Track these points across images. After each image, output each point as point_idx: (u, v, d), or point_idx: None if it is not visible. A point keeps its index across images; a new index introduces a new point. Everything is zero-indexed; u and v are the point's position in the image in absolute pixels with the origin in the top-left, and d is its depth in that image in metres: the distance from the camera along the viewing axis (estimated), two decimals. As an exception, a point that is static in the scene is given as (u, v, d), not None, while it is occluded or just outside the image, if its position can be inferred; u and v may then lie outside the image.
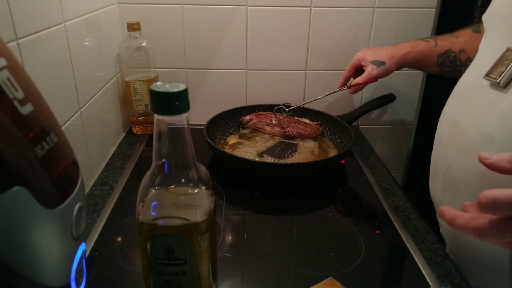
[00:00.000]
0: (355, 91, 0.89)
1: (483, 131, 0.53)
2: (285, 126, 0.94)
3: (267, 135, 0.96)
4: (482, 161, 0.38)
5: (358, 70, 0.89)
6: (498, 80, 0.53)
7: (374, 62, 0.84)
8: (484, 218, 0.36)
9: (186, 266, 0.40)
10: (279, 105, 0.96)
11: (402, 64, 0.84)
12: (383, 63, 0.84)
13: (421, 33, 1.01)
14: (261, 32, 1.00)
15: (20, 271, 0.31)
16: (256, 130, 0.97)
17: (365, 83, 0.85)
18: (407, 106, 1.11)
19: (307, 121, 1.00)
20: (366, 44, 1.03)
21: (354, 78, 0.89)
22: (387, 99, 1.05)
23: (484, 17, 0.64)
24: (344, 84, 0.91)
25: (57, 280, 0.34)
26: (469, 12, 0.96)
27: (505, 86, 0.52)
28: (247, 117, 0.99)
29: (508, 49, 0.53)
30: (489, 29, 0.62)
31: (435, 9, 1.00)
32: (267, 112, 1.00)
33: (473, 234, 0.37)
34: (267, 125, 0.96)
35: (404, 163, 1.19)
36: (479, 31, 0.77)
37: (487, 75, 0.55)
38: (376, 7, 0.99)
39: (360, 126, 1.13)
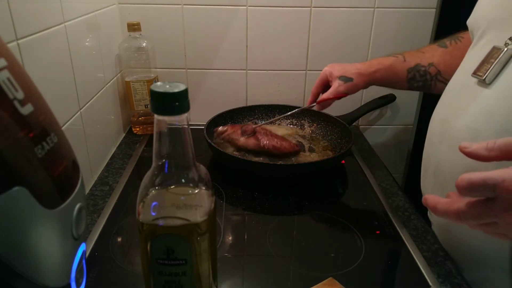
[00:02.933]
0: (323, 108, 0.85)
1: (470, 127, 0.55)
2: (260, 138, 0.87)
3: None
4: (462, 150, 0.40)
5: (327, 86, 0.85)
6: (483, 77, 0.55)
7: (342, 78, 0.81)
8: (462, 201, 0.38)
9: (186, 266, 0.40)
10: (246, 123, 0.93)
11: (371, 81, 0.82)
12: (350, 79, 0.81)
13: (421, 33, 1.01)
14: (261, 32, 1.00)
15: (20, 271, 0.30)
16: (228, 142, 0.89)
17: (332, 98, 0.82)
18: (407, 106, 1.11)
19: (289, 131, 0.96)
20: (366, 44, 1.03)
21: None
22: (387, 99, 1.05)
23: (469, 22, 0.66)
24: (314, 100, 0.87)
25: (57, 280, 0.34)
26: (469, 13, 0.95)
27: (490, 82, 0.54)
28: (220, 128, 0.91)
29: (494, 48, 0.55)
30: (474, 32, 0.64)
31: (435, 9, 1.00)
32: (241, 124, 0.94)
33: (454, 217, 0.39)
34: (241, 136, 0.88)
35: (404, 163, 1.19)
36: (446, 46, 0.79)
37: (474, 72, 0.57)
38: (376, 7, 0.99)
39: (360, 126, 1.13)
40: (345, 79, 0.81)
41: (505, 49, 0.53)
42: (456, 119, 0.58)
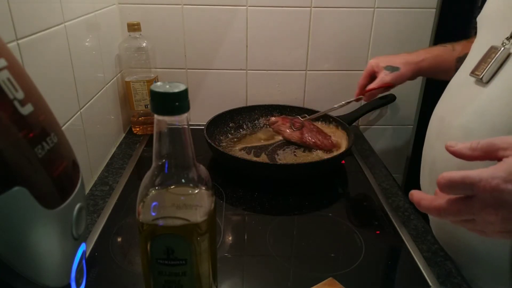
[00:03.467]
0: (370, 98, 0.85)
1: (465, 126, 0.56)
2: (305, 132, 0.91)
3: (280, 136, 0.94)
4: (447, 148, 0.42)
5: (373, 77, 0.85)
6: (480, 76, 0.55)
7: (388, 68, 0.81)
8: (444, 198, 0.40)
9: (186, 266, 0.40)
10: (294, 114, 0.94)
11: (417, 71, 0.81)
12: (397, 68, 0.80)
13: (421, 33, 1.01)
14: (261, 32, 1.00)
15: (20, 271, 0.30)
16: (277, 132, 0.94)
17: (379, 88, 0.81)
18: (407, 106, 1.11)
19: (330, 130, 0.97)
20: (367, 45, 1.03)
21: None
22: (387, 99, 1.05)
23: (478, 18, 0.66)
24: (360, 93, 0.87)
25: (57, 280, 0.34)
26: (469, 13, 0.95)
27: (487, 81, 0.55)
28: (273, 118, 0.96)
29: (492, 47, 0.56)
30: (480, 29, 0.64)
31: (435, 9, 1.00)
32: (291, 117, 0.97)
33: (434, 213, 0.41)
34: (288, 129, 0.93)
35: (404, 163, 1.19)
36: None
37: (472, 72, 0.57)
38: (376, 7, 0.99)
39: (360, 126, 1.13)
40: (391, 68, 0.80)
41: (502, 48, 0.54)
42: (453, 118, 0.59)
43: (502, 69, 0.54)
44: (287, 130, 0.93)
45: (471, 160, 0.40)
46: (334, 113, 0.99)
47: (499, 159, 0.38)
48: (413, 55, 0.82)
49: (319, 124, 0.98)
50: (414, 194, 0.43)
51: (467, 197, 0.38)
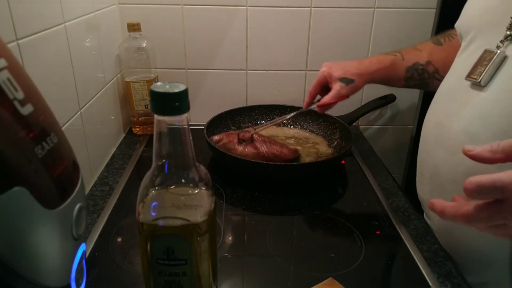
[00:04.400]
0: (323, 111, 0.82)
1: (468, 130, 0.55)
2: (259, 146, 0.84)
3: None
4: (466, 153, 0.40)
5: (324, 87, 0.82)
6: (478, 80, 0.55)
7: (343, 80, 0.77)
8: (471, 204, 0.38)
9: (186, 266, 0.40)
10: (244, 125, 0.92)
11: (370, 81, 0.80)
12: (352, 81, 0.77)
13: (421, 33, 1.01)
14: (261, 32, 1.00)
15: (20, 271, 0.30)
16: (226, 151, 0.83)
17: (334, 102, 0.79)
18: (407, 106, 1.11)
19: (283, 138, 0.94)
20: (366, 45, 1.03)
21: (321, 95, 0.82)
22: (387, 99, 1.05)
23: (457, 25, 0.67)
24: (311, 102, 0.83)
25: (57, 281, 0.34)
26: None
27: (485, 85, 0.55)
28: (216, 137, 0.88)
29: (485, 51, 0.56)
30: (463, 35, 0.64)
31: (435, 9, 1.00)
32: (237, 131, 0.91)
33: (462, 220, 0.38)
34: (238, 144, 0.85)
35: (404, 163, 1.19)
36: (441, 43, 0.79)
37: (468, 76, 0.57)
38: (376, 8, 0.99)
39: (360, 127, 1.13)
40: (347, 81, 0.78)
41: (498, 51, 0.54)
42: (451, 123, 0.58)
43: (499, 72, 0.54)
44: (238, 148, 0.85)
45: (492, 163, 0.39)
46: (334, 113, 0.99)
47: None
48: (366, 65, 0.79)
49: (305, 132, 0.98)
50: (436, 203, 0.41)
51: (496, 201, 0.37)
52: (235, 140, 0.86)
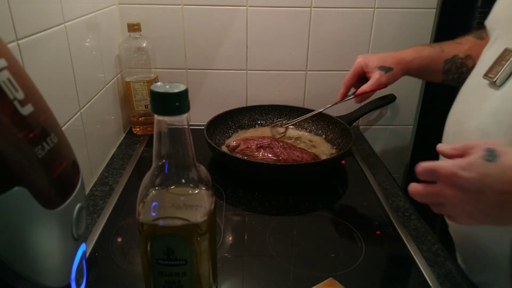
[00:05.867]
0: (362, 100, 0.81)
1: (480, 128, 0.55)
2: (279, 152, 0.83)
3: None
4: (437, 149, 0.49)
5: (360, 77, 0.81)
6: (494, 79, 0.55)
7: (381, 68, 0.77)
8: (422, 184, 0.47)
9: (187, 266, 0.40)
10: (276, 120, 0.93)
11: (407, 70, 0.79)
12: (390, 69, 0.77)
13: (421, 33, 1.01)
14: (261, 32, 1.00)
15: (20, 271, 0.31)
16: (245, 157, 0.83)
17: (373, 90, 0.78)
18: (407, 106, 1.11)
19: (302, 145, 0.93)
20: (367, 45, 1.03)
21: (355, 88, 0.82)
22: (387, 99, 1.05)
23: (486, 22, 0.66)
24: (346, 93, 0.83)
25: (57, 281, 0.34)
26: (469, 13, 0.95)
27: (501, 84, 0.54)
28: (233, 143, 0.87)
29: (506, 49, 0.55)
30: (491, 32, 0.63)
31: (435, 10, 1.00)
32: (255, 137, 0.90)
33: (415, 196, 0.48)
34: (257, 150, 0.84)
35: (404, 163, 1.19)
36: (483, 38, 0.77)
37: (486, 74, 0.57)
38: (376, 8, 0.99)
39: (360, 127, 1.13)
40: (385, 69, 0.77)
41: None
42: (468, 120, 0.58)
43: None
44: (258, 154, 0.84)
45: (453, 158, 0.45)
46: (334, 113, 0.99)
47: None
48: (403, 54, 0.79)
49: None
50: (411, 184, 0.48)
51: (435, 182, 0.45)
52: (253, 146, 0.85)
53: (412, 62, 0.78)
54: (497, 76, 0.54)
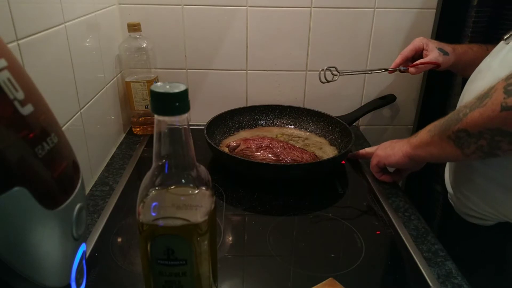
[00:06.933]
0: (418, 71, 0.84)
1: (490, 74, 0.61)
2: (278, 153, 0.83)
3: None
4: (361, 152, 0.87)
5: (417, 53, 0.86)
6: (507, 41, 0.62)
7: (440, 50, 0.81)
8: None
9: (187, 266, 0.40)
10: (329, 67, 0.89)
11: (458, 60, 0.82)
12: (447, 53, 0.81)
13: (421, 33, 1.01)
14: (261, 32, 1.00)
15: (20, 271, 0.31)
16: (245, 157, 0.83)
17: (430, 64, 0.81)
18: (407, 106, 1.11)
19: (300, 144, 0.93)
20: (366, 45, 1.03)
21: (409, 62, 0.86)
22: (387, 99, 1.05)
23: None
24: (401, 63, 0.86)
25: (57, 281, 0.34)
26: (469, 12, 0.95)
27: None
28: (233, 143, 0.87)
29: None
30: None
31: (435, 10, 1.00)
32: (255, 137, 0.90)
33: (372, 168, 0.82)
34: (257, 150, 0.84)
35: (404, 163, 1.19)
36: None
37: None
38: (376, 8, 0.99)
39: (360, 127, 1.13)
40: (444, 51, 0.81)
41: None
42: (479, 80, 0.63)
43: None
44: (258, 153, 0.84)
45: (365, 158, 0.74)
46: (334, 113, 0.99)
47: None
48: (457, 46, 0.83)
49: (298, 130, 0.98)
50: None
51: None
52: (253, 147, 0.85)
53: (464, 54, 0.82)
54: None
